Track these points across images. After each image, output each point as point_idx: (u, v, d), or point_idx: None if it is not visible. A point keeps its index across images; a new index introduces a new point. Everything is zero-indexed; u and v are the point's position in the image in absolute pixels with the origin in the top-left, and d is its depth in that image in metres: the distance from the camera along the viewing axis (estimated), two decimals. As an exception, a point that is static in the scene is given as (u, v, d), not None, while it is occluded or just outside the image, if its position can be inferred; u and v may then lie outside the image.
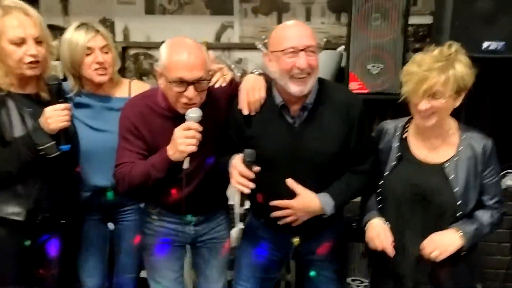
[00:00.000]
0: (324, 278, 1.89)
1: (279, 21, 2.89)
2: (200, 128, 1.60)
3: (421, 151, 1.70)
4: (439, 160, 1.67)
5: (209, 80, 1.71)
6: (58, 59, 2.82)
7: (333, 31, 2.86)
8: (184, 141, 1.58)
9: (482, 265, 2.59)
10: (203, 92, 1.67)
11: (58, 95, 1.72)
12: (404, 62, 2.26)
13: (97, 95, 1.98)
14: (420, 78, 1.55)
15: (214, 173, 1.81)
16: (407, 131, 1.74)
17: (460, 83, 1.56)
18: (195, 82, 1.61)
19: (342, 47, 2.52)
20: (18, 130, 1.70)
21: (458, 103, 1.63)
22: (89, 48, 1.89)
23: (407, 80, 1.60)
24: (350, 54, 2.32)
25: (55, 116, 1.66)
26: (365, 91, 2.29)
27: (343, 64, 2.47)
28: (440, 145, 1.69)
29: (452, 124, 1.70)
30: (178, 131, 1.60)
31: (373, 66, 2.30)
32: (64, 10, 2.96)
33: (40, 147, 1.67)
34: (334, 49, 2.60)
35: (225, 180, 1.73)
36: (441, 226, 1.63)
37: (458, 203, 1.62)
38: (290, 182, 1.65)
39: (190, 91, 1.61)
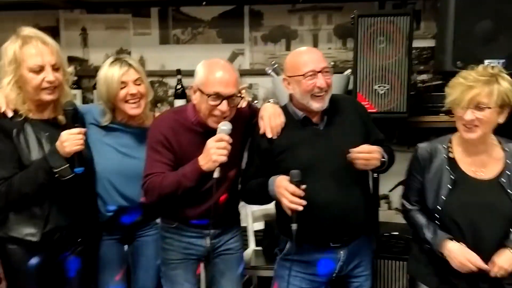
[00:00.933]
0: None
1: (288, 48, 3.02)
2: (231, 140, 1.74)
3: (471, 168, 1.75)
4: (491, 175, 1.74)
5: (241, 97, 1.85)
6: (79, 87, 2.99)
7: (339, 56, 2.99)
8: (216, 151, 1.72)
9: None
10: (234, 108, 1.82)
11: (73, 119, 1.81)
12: (409, 82, 2.38)
13: (129, 125, 2.07)
14: (465, 88, 1.66)
15: (233, 187, 1.94)
16: (451, 152, 1.79)
17: (504, 98, 1.65)
18: (229, 97, 1.76)
19: (349, 70, 2.63)
20: (35, 154, 1.79)
21: (502, 119, 1.70)
22: (123, 82, 1.98)
23: (452, 91, 1.70)
24: (357, 76, 2.41)
25: (70, 140, 1.74)
26: (373, 110, 2.37)
27: (350, 86, 2.57)
28: (487, 160, 1.75)
29: (493, 138, 1.78)
30: (211, 142, 1.74)
31: (379, 87, 2.40)
32: (83, 42, 3.12)
33: (55, 170, 1.75)
34: (341, 72, 2.71)
35: (238, 196, 1.94)
36: (506, 237, 1.70)
37: None
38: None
39: (224, 105, 1.76)
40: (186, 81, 2.84)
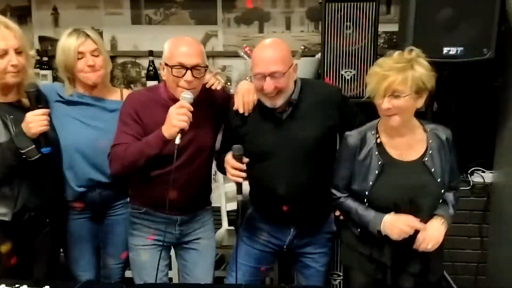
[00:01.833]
0: (314, 271, 2.04)
1: (261, 30, 3.03)
2: (191, 109, 1.79)
3: (396, 151, 1.78)
4: (416, 156, 1.78)
5: (206, 67, 1.90)
6: (50, 67, 2.98)
7: (311, 39, 3.01)
8: (176, 116, 1.76)
9: (453, 259, 2.70)
10: (200, 80, 1.88)
11: (37, 101, 1.83)
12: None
13: (91, 97, 2.09)
14: (380, 78, 1.67)
15: (203, 171, 1.98)
16: (378, 137, 1.81)
17: (419, 84, 1.66)
18: (192, 68, 1.82)
19: (319, 54, 2.66)
20: (1, 137, 1.81)
21: (419, 104, 1.72)
22: (80, 52, 2.00)
23: (370, 80, 1.72)
24: (325, 60, 2.45)
25: (35, 121, 1.77)
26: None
27: (320, 70, 2.60)
28: (412, 141, 1.79)
29: (415, 120, 1.81)
30: (172, 109, 1.80)
31: (346, 72, 2.44)
32: (54, 22, 3.09)
33: (22, 151, 1.78)
34: (313, 56, 2.73)
35: (210, 183, 2.04)
36: (431, 216, 1.76)
37: (442, 192, 1.76)
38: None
39: (188, 75, 1.82)
40: (158, 63, 2.83)
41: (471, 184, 2.66)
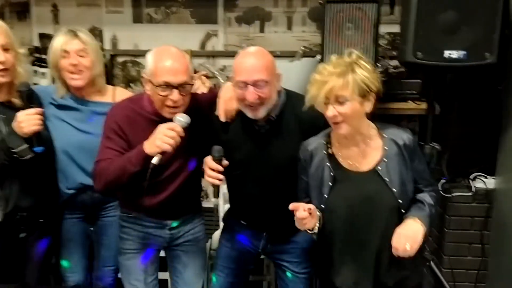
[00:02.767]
0: (294, 278, 1.99)
1: (262, 30, 2.99)
2: (183, 134, 1.70)
3: (348, 161, 1.69)
4: (371, 166, 1.67)
5: (192, 85, 1.81)
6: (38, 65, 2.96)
7: (313, 39, 2.96)
8: (162, 137, 1.67)
9: (453, 266, 2.67)
10: (187, 96, 1.78)
11: (29, 100, 1.81)
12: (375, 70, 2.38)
13: (81, 99, 2.07)
14: (320, 84, 1.57)
15: (193, 178, 1.93)
16: (329, 147, 1.72)
17: (362, 87, 1.56)
18: (179, 86, 1.72)
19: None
20: None
21: (367, 108, 1.62)
22: (65, 51, 1.97)
23: (310, 88, 1.61)
24: (325, 61, 2.40)
25: (27, 121, 1.75)
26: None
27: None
28: (366, 150, 1.68)
29: (371, 127, 1.70)
30: (162, 127, 1.70)
31: (346, 74, 2.40)
32: (54, 19, 3.07)
33: (14, 150, 1.76)
34: (314, 56, 2.70)
35: (200, 189, 2.01)
36: (391, 226, 1.64)
37: (400, 202, 1.65)
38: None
39: (175, 95, 1.72)
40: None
41: (473, 190, 2.61)
